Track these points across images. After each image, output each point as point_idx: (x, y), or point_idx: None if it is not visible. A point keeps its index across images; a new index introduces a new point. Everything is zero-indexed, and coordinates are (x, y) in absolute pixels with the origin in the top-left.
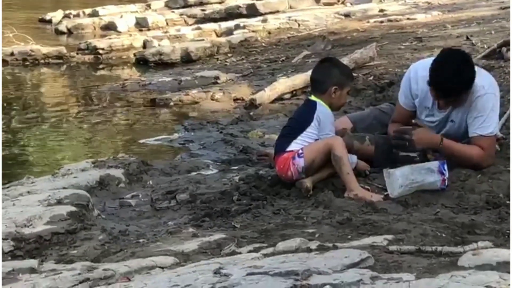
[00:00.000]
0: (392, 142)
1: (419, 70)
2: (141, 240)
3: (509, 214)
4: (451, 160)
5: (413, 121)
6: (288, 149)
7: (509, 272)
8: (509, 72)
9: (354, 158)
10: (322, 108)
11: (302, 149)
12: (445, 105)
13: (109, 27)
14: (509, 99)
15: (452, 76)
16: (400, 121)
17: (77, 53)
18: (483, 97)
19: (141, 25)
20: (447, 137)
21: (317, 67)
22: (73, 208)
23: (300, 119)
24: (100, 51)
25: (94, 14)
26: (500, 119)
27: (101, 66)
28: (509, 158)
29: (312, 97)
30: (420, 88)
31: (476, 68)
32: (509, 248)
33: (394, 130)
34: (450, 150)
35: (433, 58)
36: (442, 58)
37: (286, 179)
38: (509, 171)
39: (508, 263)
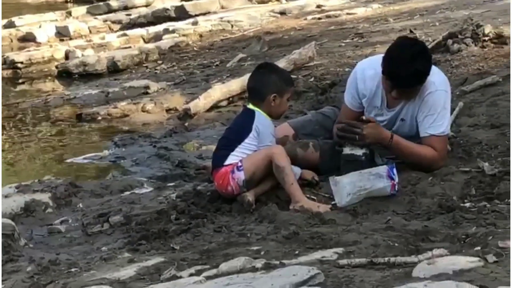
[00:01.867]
0: (338, 134)
1: (366, 69)
2: (73, 269)
3: (464, 218)
4: (403, 160)
5: (363, 117)
6: (226, 162)
7: (466, 281)
8: (456, 66)
9: (297, 169)
10: (261, 118)
11: (241, 161)
12: (397, 97)
13: (28, 38)
14: (457, 94)
15: (407, 64)
16: None
17: None
18: (434, 94)
19: (62, 34)
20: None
21: (253, 74)
22: None
23: (237, 130)
24: (19, 65)
25: (10, 25)
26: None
27: (21, 81)
28: (461, 157)
29: (250, 106)
30: (368, 87)
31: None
32: (465, 254)
33: (343, 122)
34: (400, 148)
35: (378, 55)
36: (398, 46)
37: (227, 194)
38: (462, 171)
39: (465, 270)
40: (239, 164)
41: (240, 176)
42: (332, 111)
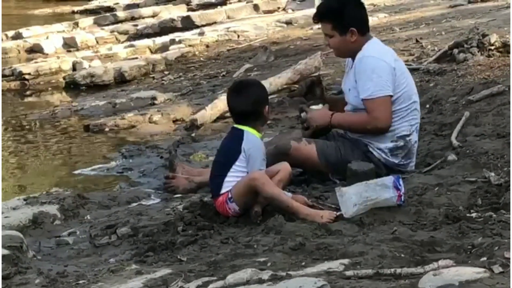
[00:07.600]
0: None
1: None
2: (81, 281)
3: (470, 228)
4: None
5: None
6: (222, 191)
7: None
8: (462, 75)
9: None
10: (251, 138)
11: (230, 192)
12: (327, 41)
13: (35, 50)
14: (463, 104)
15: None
16: None
17: (1, 80)
18: (361, 60)
19: (69, 45)
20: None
21: (235, 98)
22: (6, 251)
23: (227, 154)
24: (27, 77)
25: (18, 36)
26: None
27: (28, 93)
28: (465, 168)
29: (238, 126)
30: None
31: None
32: (471, 265)
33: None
34: (341, 123)
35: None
36: None
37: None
38: (468, 181)
39: (471, 281)
40: (229, 195)
41: (234, 206)
42: None
